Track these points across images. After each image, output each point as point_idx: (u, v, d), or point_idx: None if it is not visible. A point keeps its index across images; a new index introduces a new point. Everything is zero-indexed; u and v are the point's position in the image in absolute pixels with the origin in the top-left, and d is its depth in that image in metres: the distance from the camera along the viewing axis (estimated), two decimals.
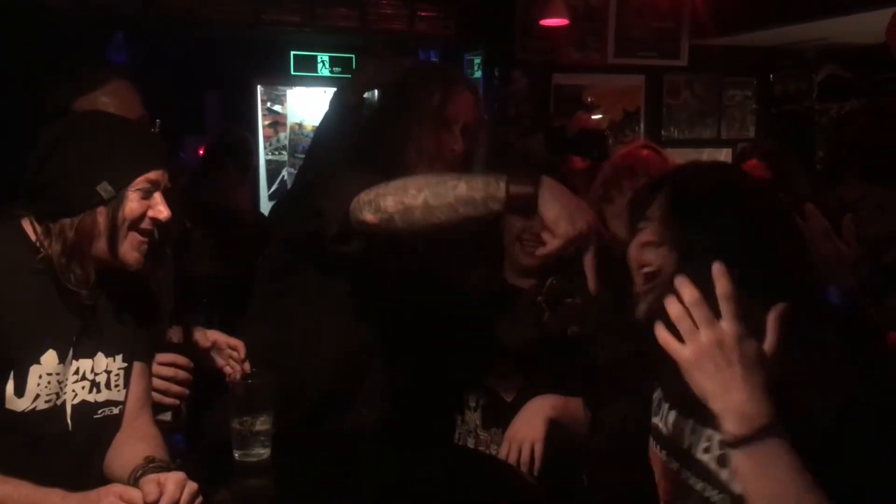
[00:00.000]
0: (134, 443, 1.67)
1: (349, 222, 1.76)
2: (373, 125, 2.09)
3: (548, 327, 1.89)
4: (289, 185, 6.10)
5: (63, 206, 1.57)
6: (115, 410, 1.68)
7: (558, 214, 1.57)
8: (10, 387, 1.54)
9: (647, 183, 1.48)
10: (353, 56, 6.43)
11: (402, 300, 2.10)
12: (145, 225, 1.63)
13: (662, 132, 4.76)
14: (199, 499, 1.47)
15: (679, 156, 4.77)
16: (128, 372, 1.71)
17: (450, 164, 1.96)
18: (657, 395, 1.46)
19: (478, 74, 4.66)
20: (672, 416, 1.39)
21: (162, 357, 1.88)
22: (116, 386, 1.68)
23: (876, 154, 1.91)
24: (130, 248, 1.62)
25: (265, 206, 6.12)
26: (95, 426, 1.65)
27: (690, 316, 1.12)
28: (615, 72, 4.62)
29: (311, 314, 2.06)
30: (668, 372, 1.22)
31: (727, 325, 1.11)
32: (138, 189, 1.60)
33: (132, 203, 1.60)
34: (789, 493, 1.06)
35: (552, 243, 1.59)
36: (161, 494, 1.41)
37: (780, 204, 1.40)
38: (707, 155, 4.81)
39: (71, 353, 1.62)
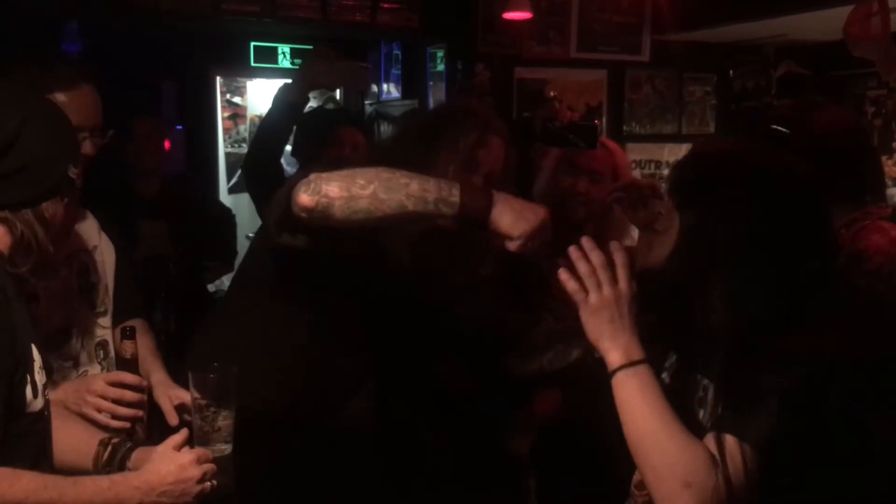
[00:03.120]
0: (60, 424, 1.61)
1: (290, 209, 1.70)
2: (397, 150, 2.01)
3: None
4: None
5: (34, 192, 1.46)
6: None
7: (512, 218, 1.65)
8: (29, 389, 1.45)
9: (674, 165, 1.59)
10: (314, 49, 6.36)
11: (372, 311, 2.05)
12: None
13: (624, 127, 4.79)
14: None
15: (640, 151, 4.83)
16: None
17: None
18: (671, 356, 1.58)
19: (440, 68, 4.65)
20: (677, 369, 1.56)
21: (108, 376, 1.80)
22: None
23: (791, 153, 1.98)
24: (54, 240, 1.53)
25: (224, 200, 6.04)
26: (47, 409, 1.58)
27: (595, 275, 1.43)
28: (577, 66, 4.63)
29: (280, 323, 2.01)
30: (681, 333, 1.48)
31: (624, 287, 1.44)
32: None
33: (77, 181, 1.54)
34: (654, 407, 1.36)
35: (513, 244, 1.66)
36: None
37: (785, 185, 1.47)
38: (668, 150, 4.85)
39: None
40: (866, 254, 1.89)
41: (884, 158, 4.34)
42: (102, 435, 1.60)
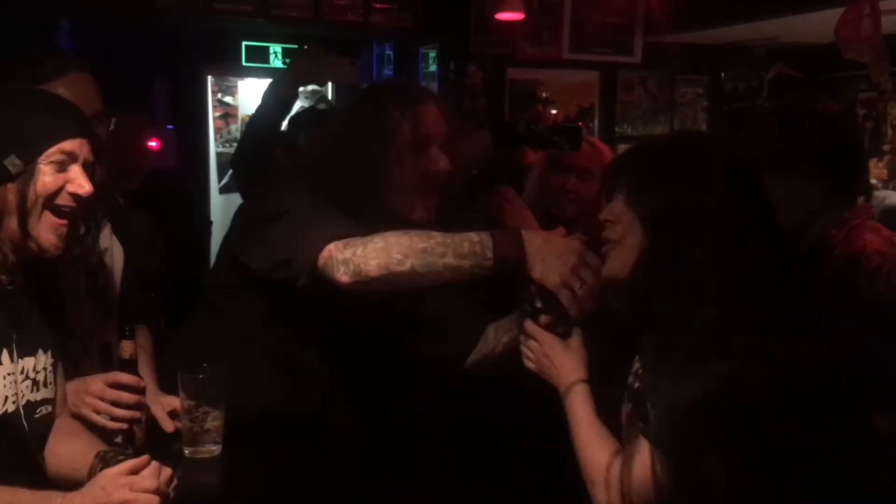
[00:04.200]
0: (66, 438, 1.60)
1: (318, 273, 1.72)
2: (342, 161, 1.93)
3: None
4: None
5: None
6: (50, 409, 1.59)
7: (545, 269, 1.62)
8: None
9: (616, 161, 1.60)
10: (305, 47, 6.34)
11: (353, 329, 2.02)
12: (63, 201, 1.49)
13: (616, 128, 4.79)
14: (175, 483, 1.46)
15: None
16: (55, 368, 1.61)
17: (437, 183, 1.92)
18: (635, 362, 1.59)
19: (433, 68, 4.64)
20: (643, 376, 1.57)
21: (106, 377, 1.77)
22: (50, 383, 1.59)
23: (785, 151, 2.00)
24: (46, 231, 1.48)
25: (215, 200, 6.03)
26: (37, 426, 1.56)
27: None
28: (570, 67, 4.63)
29: (255, 336, 1.99)
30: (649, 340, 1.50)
31: (541, 339, 1.65)
32: (51, 161, 1.47)
33: (45, 177, 1.47)
34: (578, 419, 1.55)
35: (563, 298, 1.63)
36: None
37: (741, 171, 1.49)
38: None
39: (15, 351, 1.51)
40: (864, 254, 1.89)
41: (874, 161, 4.36)
42: (101, 448, 1.57)
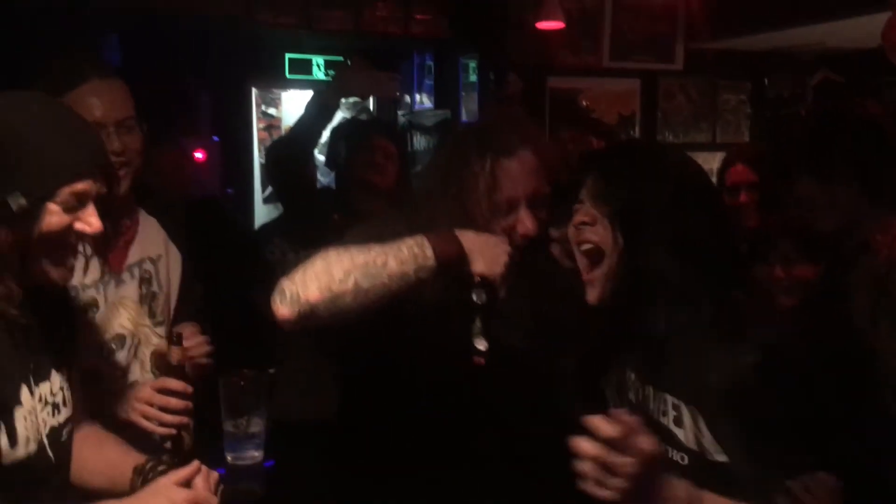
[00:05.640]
0: (95, 450, 1.57)
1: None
2: (417, 216, 1.74)
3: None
4: None
5: None
6: (72, 425, 1.54)
7: (486, 264, 1.61)
8: (3, 439, 1.33)
9: (576, 168, 1.58)
10: (350, 60, 6.40)
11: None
12: (69, 239, 1.35)
13: (658, 136, 4.75)
14: (221, 487, 1.47)
15: None
16: (69, 381, 1.53)
17: (519, 244, 1.71)
18: (629, 372, 1.54)
19: (473, 78, 4.65)
20: (639, 386, 1.51)
21: (154, 383, 1.79)
22: (68, 400, 1.52)
23: (826, 155, 1.99)
24: (52, 266, 1.35)
25: (259, 210, 6.09)
26: (63, 451, 1.50)
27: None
28: (610, 75, 4.61)
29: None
30: (636, 348, 1.44)
31: (648, 449, 1.17)
32: (62, 202, 1.30)
33: (52, 217, 1.30)
34: None
35: (500, 291, 1.64)
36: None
37: (703, 178, 1.56)
38: (701, 160, 4.77)
39: (32, 381, 1.42)
40: None
41: None
42: (138, 458, 1.55)
